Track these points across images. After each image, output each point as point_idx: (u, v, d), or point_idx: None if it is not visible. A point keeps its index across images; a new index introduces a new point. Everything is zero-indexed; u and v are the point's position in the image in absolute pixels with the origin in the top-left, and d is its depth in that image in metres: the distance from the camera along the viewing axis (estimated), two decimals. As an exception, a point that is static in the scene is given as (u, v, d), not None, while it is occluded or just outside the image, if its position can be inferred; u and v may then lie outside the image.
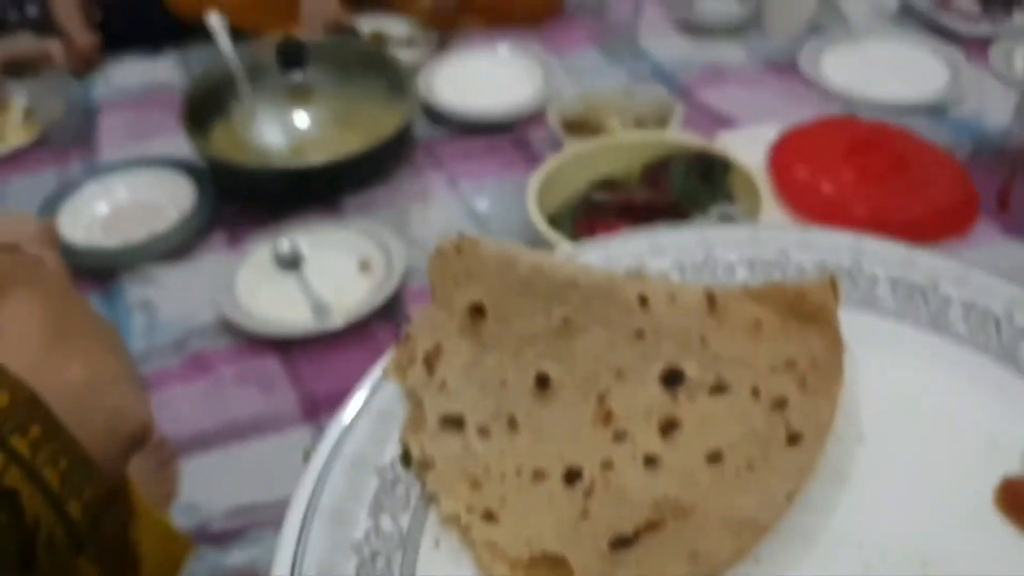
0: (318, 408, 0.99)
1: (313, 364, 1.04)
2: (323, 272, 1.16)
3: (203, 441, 0.96)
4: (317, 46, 1.41)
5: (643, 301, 0.45)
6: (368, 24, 1.70)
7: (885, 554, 0.36)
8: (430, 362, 0.44)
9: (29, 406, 0.42)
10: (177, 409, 0.98)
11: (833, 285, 0.44)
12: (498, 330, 0.45)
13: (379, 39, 1.66)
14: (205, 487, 0.91)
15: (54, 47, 1.65)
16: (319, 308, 1.10)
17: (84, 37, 1.68)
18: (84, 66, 1.68)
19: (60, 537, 0.43)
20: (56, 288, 0.59)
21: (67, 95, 1.47)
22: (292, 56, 1.36)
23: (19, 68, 1.52)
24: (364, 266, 1.17)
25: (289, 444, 0.96)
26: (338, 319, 1.07)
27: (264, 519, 0.88)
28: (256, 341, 1.07)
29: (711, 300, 0.45)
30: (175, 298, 1.14)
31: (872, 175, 1.17)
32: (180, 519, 0.87)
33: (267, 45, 1.41)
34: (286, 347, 1.06)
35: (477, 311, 0.46)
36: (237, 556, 0.86)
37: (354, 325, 1.07)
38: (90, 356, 0.51)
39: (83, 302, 0.58)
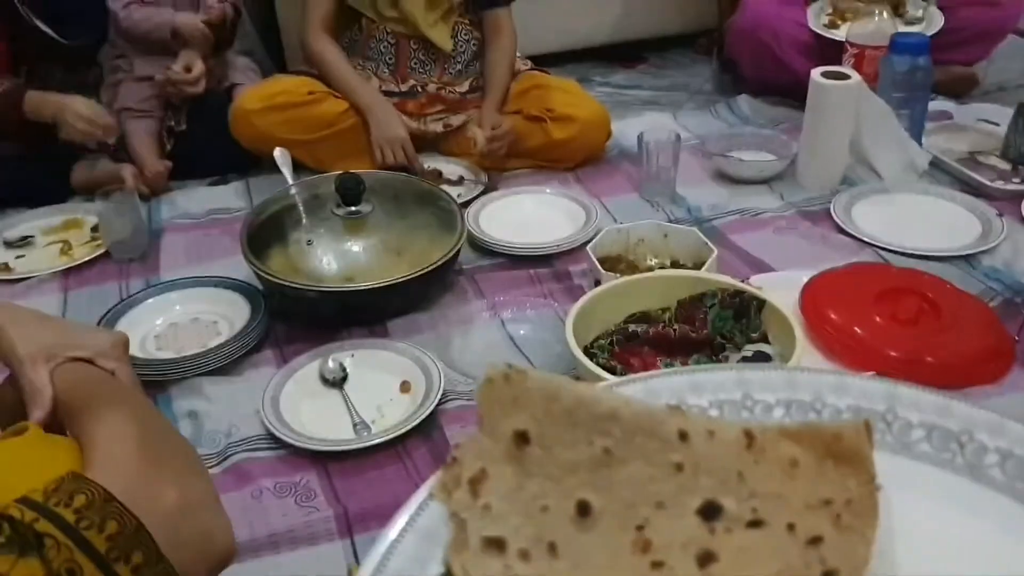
0: (352, 523, 1.00)
1: (349, 479, 1.06)
2: (365, 390, 1.19)
3: (238, 552, 0.96)
4: (374, 181, 1.50)
5: (683, 436, 0.47)
6: (426, 162, 1.81)
7: None
8: (475, 485, 0.46)
9: (135, 535, 0.45)
10: (216, 521, 1.00)
11: (868, 428, 0.46)
12: (542, 457, 0.47)
13: (438, 176, 1.76)
14: (237, 599, 0.91)
15: (127, 171, 1.78)
16: (359, 425, 1.13)
17: (155, 164, 1.80)
18: (153, 190, 1.80)
19: None
20: (141, 406, 0.62)
21: (134, 217, 1.56)
22: (350, 191, 1.44)
23: (94, 189, 1.63)
24: (405, 387, 1.20)
25: (322, 558, 0.96)
26: (375, 437, 1.09)
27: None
28: (297, 454, 1.09)
29: (749, 437, 0.47)
30: (221, 410, 1.18)
31: (904, 319, 1.19)
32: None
33: (327, 179, 1.50)
34: (325, 462, 1.08)
35: (522, 438, 0.48)
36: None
37: (391, 442, 1.09)
38: (181, 479, 0.54)
39: (166, 420, 0.62)
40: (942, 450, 0.48)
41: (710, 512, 0.44)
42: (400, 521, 0.45)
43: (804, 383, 0.52)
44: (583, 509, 0.45)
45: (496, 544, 0.43)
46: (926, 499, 0.46)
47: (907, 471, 0.47)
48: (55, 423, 0.65)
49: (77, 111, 1.63)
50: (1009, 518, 0.44)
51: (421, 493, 0.47)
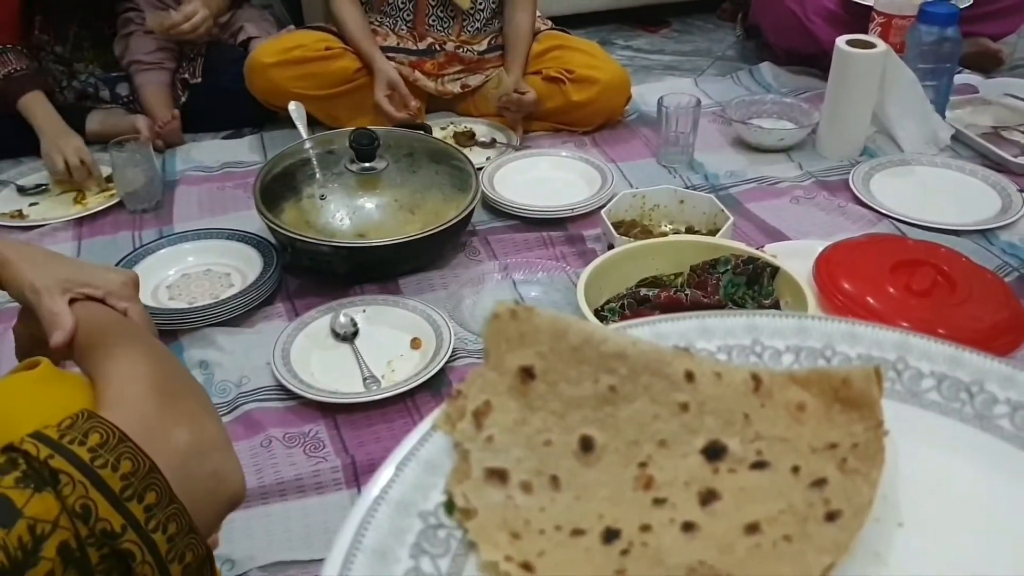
0: (360, 474, 1.01)
1: (359, 431, 1.07)
2: (376, 345, 1.19)
3: (246, 498, 0.97)
4: (389, 138, 1.49)
5: (689, 376, 0.47)
6: (457, 124, 1.81)
7: (922, 638, 0.36)
8: (479, 417, 0.46)
9: (148, 475, 0.45)
10: (223, 466, 1.01)
11: (878, 374, 0.45)
12: (546, 393, 0.47)
13: (469, 137, 1.76)
14: (244, 542, 0.92)
15: (141, 122, 1.77)
16: (369, 379, 1.13)
17: (167, 116, 1.80)
18: (167, 142, 1.80)
19: None
20: (155, 347, 0.62)
21: (148, 167, 1.56)
22: (365, 146, 1.43)
23: (108, 139, 1.63)
24: (415, 343, 1.20)
25: (329, 506, 0.97)
26: (386, 390, 1.10)
27: None
28: (307, 405, 1.10)
29: (756, 380, 0.47)
30: (232, 360, 1.18)
31: (918, 291, 1.18)
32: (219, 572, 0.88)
33: (342, 134, 1.49)
34: (334, 413, 1.09)
35: (527, 373, 0.48)
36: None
37: (400, 397, 1.09)
38: (194, 420, 0.54)
39: (179, 362, 0.62)
40: (951, 399, 0.47)
41: (714, 452, 0.44)
42: (403, 450, 0.45)
43: (815, 330, 0.52)
44: (586, 444, 0.45)
45: (498, 475, 0.43)
46: (933, 447, 0.45)
47: (915, 419, 0.47)
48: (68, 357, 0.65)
49: (64, 153, 1.60)
50: (1016, 468, 0.44)
51: (425, 425, 0.47)
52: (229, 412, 1.10)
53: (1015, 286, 1.26)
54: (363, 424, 1.08)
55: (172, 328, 1.24)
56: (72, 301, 0.67)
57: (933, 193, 1.54)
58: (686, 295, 1.18)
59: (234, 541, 0.92)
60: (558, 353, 0.48)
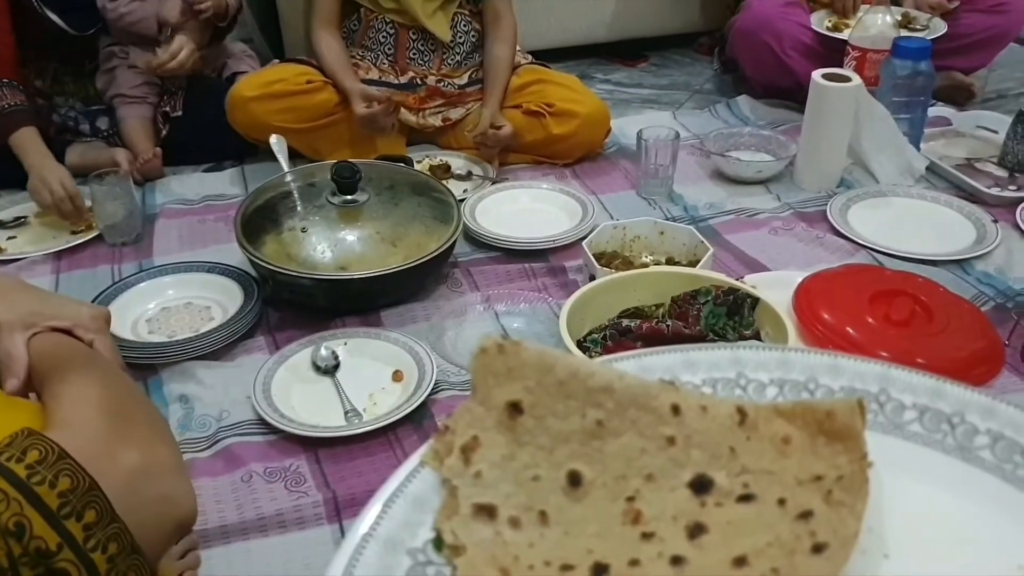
0: (341, 509, 1.00)
1: (339, 465, 1.06)
2: (357, 378, 1.19)
3: (225, 533, 0.96)
4: (370, 171, 1.49)
5: (676, 410, 0.47)
6: (434, 157, 1.81)
7: (911, 671, 0.36)
8: (467, 453, 0.46)
9: (87, 493, 0.45)
10: (205, 500, 0.99)
11: (861, 407, 0.46)
12: (534, 427, 0.47)
13: (445, 170, 1.76)
14: (225, 576, 0.91)
15: (121, 155, 1.77)
16: (350, 413, 1.12)
17: (148, 150, 1.80)
18: (146, 176, 1.79)
19: None
20: (111, 373, 0.62)
21: (128, 200, 1.56)
22: (346, 179, 1.43)
23: (87, 172, 1.62)
24: (397, 376, 1.19)
25: (311, 542, 0.96)
26: (366, 424, 1.09)
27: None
28: (288, 439, 1.09)
29: (742, 414, 0.47)
30: (213, 394, 1.17)
31: (896, 321, 1.19)
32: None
33: (323, 167, 1.49)
34: (315, 447, 1.08)
35: (515, 408, 0.48)
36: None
37: (383, 430, 1.09)
38: (144, 444, 0.53)
39: (136, 388, 0.61)
40: (933, 431, 0.48)
41: (701, 486, 0.44)
42: (390, 487, 0.45)
43: (798, 363, 0.52)
44: (574, 479, 0.45)
45: (487, 511, 0.43)
46: (916, 478, 0.46)
47: (898, 451, 0.47)
48: (28, 392, 0.64)
49: (49, 184, 1.57)
50: (998, 498, 0.44)
51: (412, 461, 0.47)
52: (209, 447, 1.09)
53: (991, 315, 1.28)
54: (344, 458, 1.07)
55: (152, 362, 1.23)
56: (36, 334, 0.66)
57: (909, 224, 1.57)
58: (667, 326, 1.18)
59: (215, 576, 0.91)
60: (545, 387, 0.48)
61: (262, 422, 1.11)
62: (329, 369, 1.20)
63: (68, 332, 0.69)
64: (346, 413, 1.13)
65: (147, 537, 0.48)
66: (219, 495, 1.01)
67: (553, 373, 0.49)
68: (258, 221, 1.41)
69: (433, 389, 1.15)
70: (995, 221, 1.54)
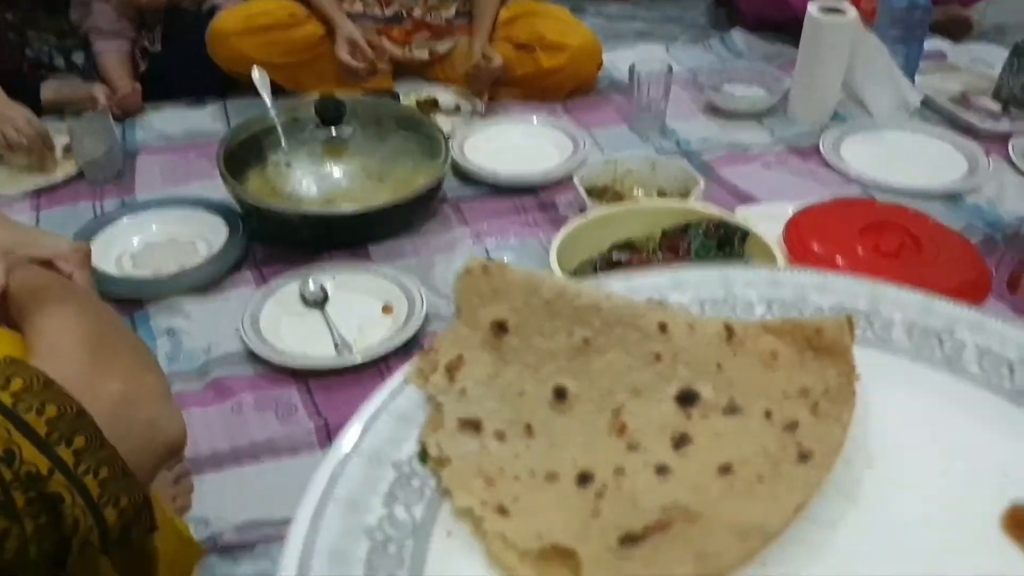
0: (333, 434, 1.00)
1: (331, 395, 1.06)
2: (347, 312, 1.18)
3: (218, 460, 0.97)
4: (356, 105, 1.46)
5: (663, 328, 0.47)
6: (421, 91, 1.78)
7: (890, 570, 0.36)
8: (452, 371, 0.46)
9: (76, 419, 0.44)
10: (195, 429, 0.99)
11: (850, 323, 0.45)
12: (520, 346, 0.47)
13: (432, 105, 1.73)
14: (218, 503, 0.91)
15: (99, 91, 1.73)
16: (340, 345, 1.12)
17: (126, 85, 1.75)
18: (125, 111, 1.75)
19: (94, 542, 0.44)
20: (91, 303, 0.60)
21: (107, 136, 1.52)
22: (331, 113, 1.41)
23: (64, 108, 1.58)
24: (387, 309, 1.19)
25: (304, 466, 0.96)
26: (358, 356, 1.09)
27: (274, 535, 0.88)
28: (277, 371, 1.09)
29: (729, 331, 0.47)
30: (200, 328, 1.17)
31: (886, 252, 1.19)
32: (192, 531, 0.87)
33: (307, 101, 1.46)
34: (306, 378, 1.08)
35: (500, 328, 0.47)
36: (246, 569, 0.86)
37: (373, 363, 1.08)
38: (129, 371, 0.52)
39: (116, 317, 0.60)
40: (922, 346, 0.48)
41: (687, 399, 0.44)
42: (374, 404, 0.44)
43: (787, 282, 0.52)
44: (560, 394, 0.44)
45: (472, 425, 0.43)
46: (904, 391, 0.46)
47: (886, 365, 0.47)
48: (7, 322, 0.63)
49: (13, 120, 1.52)
50: (984, 409, 0.44)
51: (396, 379, 0.46)
52: (199, 379, 1.09)
53: (981, 247, 1.28)
54: (336, 389, 1.07)
55: (138, 297, 1.22)
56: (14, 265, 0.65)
57: (902, 157, 1.55)
58: (658, 259, 1.18)
59: (207, 502, 0.92)
60: (532, 308, 0.48)
61: (251, 355, 1.11)
62: (318, 302, 1.19)
63: (47, 264, 0.68)
64: (336, 345, 1.12)
65: (136, 463, 0.48)
66: (210, 425, 1.01)
67: (539, 293, 0.48)
68: (242, 156, 1.39)
69: (423, 322, 1.15)
70: (988, 155, 1.53)
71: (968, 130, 1.62)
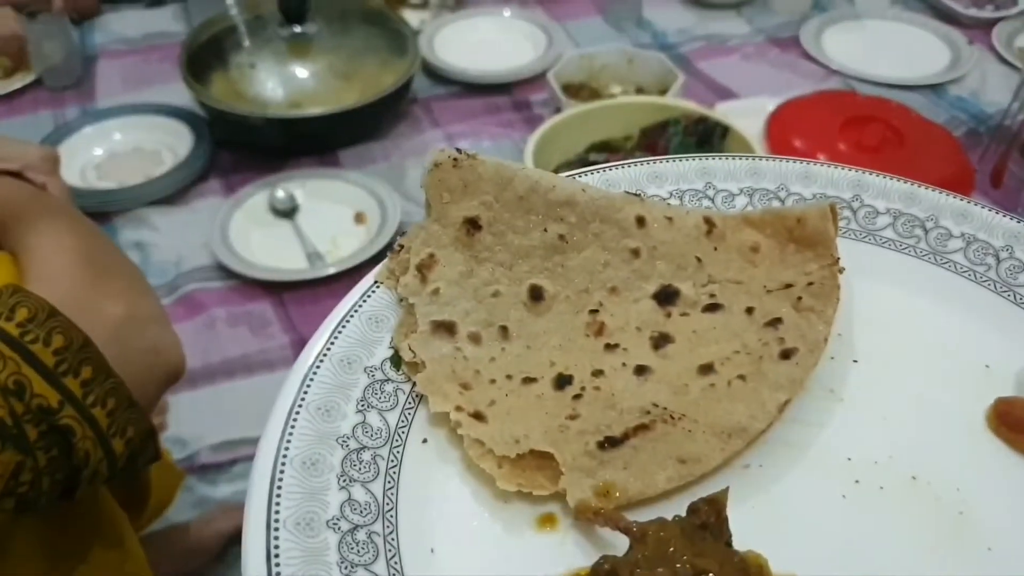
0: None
1: (304, 308, 1.04)
2: (318, 221, 1.15)
3: (192, 378, 0.96)
4: (320, 0, 1.39)
5: (640, 222, 0.45)
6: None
7: (875, 466, 0.36)
8: (423, 271, 0.44)
9: (82, 349, 0.43)
10: (166, 346, 0.98)
11: (833, 211, 0.44)
12: (493, 244, 0.45)
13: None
14: (194, 422, 0.91)
15: (53, -7, 1.63)
16: (313, 256, 1.10)
17: None
18: (82, 13, 1.66)
19: (103, 472, 0.43)
20: (81, 221, 0.58)
21: (65, 40, 1.45)
22: (294, 9, 1.34)
23: (17, 9, 1.49)
24: (359, 218, 1.16)
25: (279, 383, 0.95)
26: (331, 266, 1.07)
27: (251, 454, 0.87)
28: (249, 284, 1.07)
29: (709, 224, 0.45)
30: (169, 241, 1.14)
31: (868, 147, 1.17)
32: (169, 452, 0.87)
33: (269, -2, 1.39)
34: (278, 292, 1.06)
35: (472, 224, 0.45)
36: (224, 489, 0.86)
37: (347, 273, 1.06)
38: (127, 295, 0.51)
39: (106, 236, 0.58)
40: (907, 236, 0.47)
41: (666, 296, 0.43)
42: (344, 306, 0.43)
43: (768, 171, 0.50)
44: (536, 294, 0.43)
45: (446, 327, 0.41)
46: (888, 284, 0.45)
47: (870, 257, 0.46)
48: None
49: None
50: (970, 300, 0.43)
51: (367, 281, 0.44)
52: (169, 293, 1.06)
53: (964, 140, 1.26)
54: (309, 301, 1.05)
55: (104, 210, 1.18)
56: None
57: (884, 48, 1.51)
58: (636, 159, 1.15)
59: (183, 422, 0.91)
60: (504, 202, 0.46)
61: (222, 268, 1.09)
62: (287, 212, 1.16)
63: (17, 175, 0.65)
64: (308, 256, 1.10)
65: (139, 390, 0.47)
66: (183, 342, 0.99)
67: (512, 187, 0.46)
68: (204, 58, 1.33)
69: (398, 230, 1.12)
70: (971, 43, 1.49)
71: (951, 18, 1.58)
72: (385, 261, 0.45)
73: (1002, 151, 1.16)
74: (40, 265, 0.51)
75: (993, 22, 1.55)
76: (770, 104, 1.27)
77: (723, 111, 1.25)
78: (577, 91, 1.36)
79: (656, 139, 1.18)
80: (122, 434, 0.44)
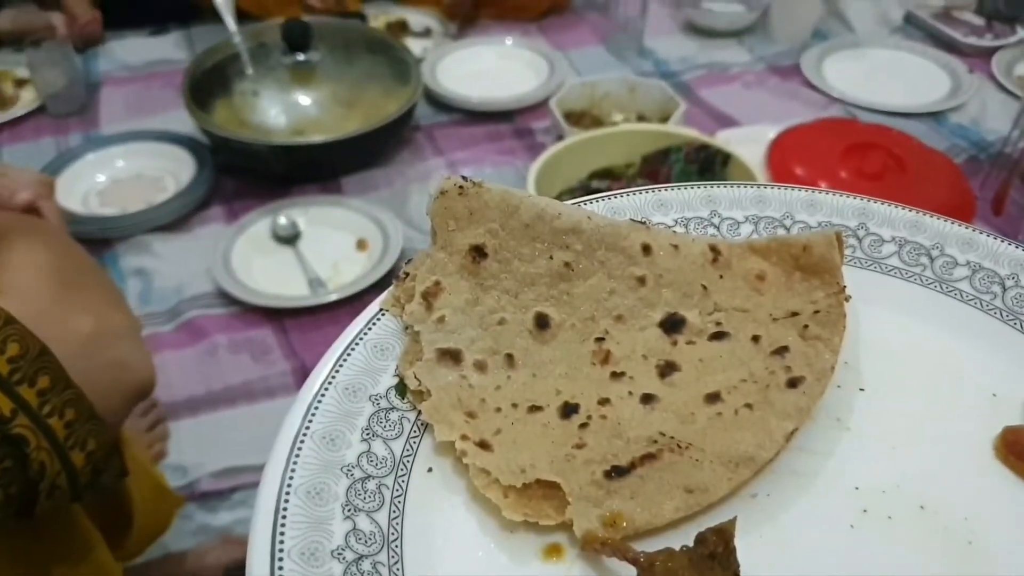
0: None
1: (306, 335, 1.04)
2: (320, 248, 1.15)
3: (193, 406, 0.95)
4: (323, 29, 1.41)
5: (646, 249, 0.45)
6: (390, 14, 1.71)
7: (883, 495, 0.36)
8: (428, 299, 0.44)
9: (39, 358, 0.42)
10: (169, 374, 0.98)
11: (839, 239, 0.44)
12: (499, 271, 0.45)
13: (401, 27, 1.67)
14: (194, 450, 0.90)
15: (57, 19, 1.65)
16: (314, 282, 1.10)
17: (86, 12, 1.67)
18: (86, 40, 1.68)
19: (63, 486, 0.43)
20: (58, 238, 0.58)
21: (68, 67, 1.46)
22: (297, 38, 1.35)
23: (21, 38, 1.51)
24: (361, 244, 1.16)
25: (280, 411, 0.95)
26: (332, 293, 1.07)
27: (252, 482, 0.87)
28: (251, 311, 1.07)
29: (715, 252, 0.45)
30: (171, 267, 1.14)
31: (869, 175, 1.18)
32: (169, 479, 0.87)
33: (272, 26, 1.40)
34: (280, 318, 1.06)
35: (478, 252, 0.45)
36: (224, 516, 0.85)
37: (349, 300, 1.06)
38: (96, 309, 0.50)
39: (85, 254, 0.58)
40: (912, 264, 0.46)
41: (672, 324, 0.43)
42: (349, 334, 0.43)
43: (774, 199, 0.50)
44: (541, 322, 0.43)
45: (451, 355, 0.41)
46: (894, 311, 0.44)
47: (877, 285, 0.46)
48: None
49: None
50: (975, 328, 0.43)
51: (372, 308, 0.44)
52: (170, 320, 1.06)
53: (965, 167, 1.27)
54: (311, 327, 1.05)
55: (106, 236, 1.18)
56: None
57: (884, 76, 1.53)
58: (638, 186, 1.15)
59: (184, 449, 0.90)
60: (510, 230, 0.46)
61: (223, 294, 1.08)
62: (290, 239, 1.17)
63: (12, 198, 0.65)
64: (310, 282, 1.10)
65: (104, 404, 0.46)
66: (184, 368, 1.00)
67: (518, 215, 0.46)
68: (207, 86, 1.34)
69: (399, 257, 1.12)
70: (971, 71, 1.50)
71: (951, 46, 1.59)
72: (390, 289, 0.45)
73: (1003, 178, 1.17)
74: (8, 278, 0.51)
75: (993, 50, 1.56)
76: (771, 132, 1.28)
77: (724, 139, 1.25)
78: (579, 119, 1.37)
79: (658, 166, 1.19)
80: (82, 446, 0.44)
